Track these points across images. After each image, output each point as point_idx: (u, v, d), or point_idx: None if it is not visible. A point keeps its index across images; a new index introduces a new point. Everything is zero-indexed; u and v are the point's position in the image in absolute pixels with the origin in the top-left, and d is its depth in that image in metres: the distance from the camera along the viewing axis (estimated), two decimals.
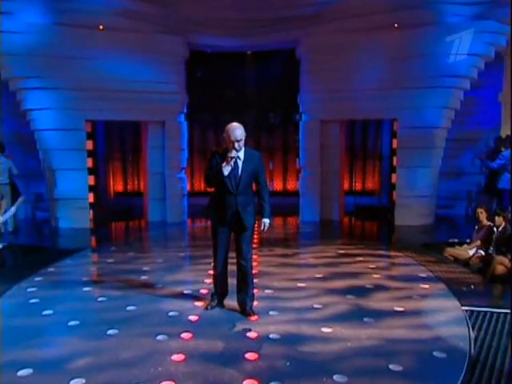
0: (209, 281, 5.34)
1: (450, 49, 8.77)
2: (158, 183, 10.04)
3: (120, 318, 4.24)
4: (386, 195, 12.45)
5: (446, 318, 4.22)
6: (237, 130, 3.96)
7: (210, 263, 6.01)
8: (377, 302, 4.63)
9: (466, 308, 4.38)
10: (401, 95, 9.03)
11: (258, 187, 4.20)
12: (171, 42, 9.53)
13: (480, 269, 6.20)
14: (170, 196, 9.96)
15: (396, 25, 8.98)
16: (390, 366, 3.28)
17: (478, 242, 6.76)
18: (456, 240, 7.52)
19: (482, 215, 6.89)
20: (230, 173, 4.02)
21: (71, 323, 4.13)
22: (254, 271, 5.43)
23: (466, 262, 6.57)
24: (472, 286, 5.17)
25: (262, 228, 4.21)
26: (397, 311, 4.36)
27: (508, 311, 4.22)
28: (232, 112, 13.19)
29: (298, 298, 4.77)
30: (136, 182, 12.93)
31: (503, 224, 6.40)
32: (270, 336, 3.82)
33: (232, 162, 3.99)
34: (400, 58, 8.94)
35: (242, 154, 4.08)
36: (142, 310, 4.47)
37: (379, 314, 4.26)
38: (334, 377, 3.14)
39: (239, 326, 4.03)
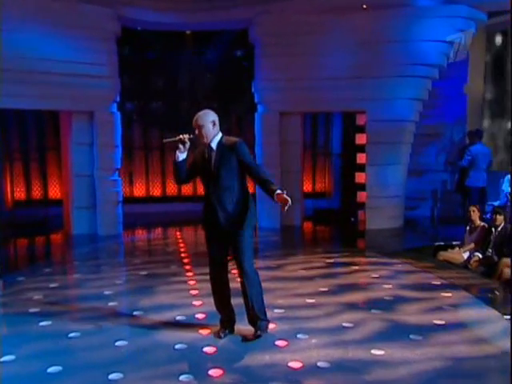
0: (198, 303, 5.02)
1: (420, 34, 9.15)
2: (85, 188, 9.29)
3: (115, 358, 3.74)
4: (337, 197, 12.75)
5: (496, 329, 4.29)
6: (196, 116, 3.90)
7: (186, 282, 5.84)
8: (409, 315, 4.59)
9: (507, 317, 4.47)
10: (369, 85, 9.22)
11: (250, 172, 3.88)
12: (99, 13, 8.88)
13: (483, 273, 6.49)
14: (102, 203, 9.26)
15: (364, 6, 9.18)
16: None
17: (472, 245, 7.07)
18: (442, 243, 7.83)
19: (475, 214, 7.22)
20: (205, 168, 3.90)
21: (51, 370, 3.56)
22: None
23: (464, 266, 6.84)
24: (496, 293, 5.33)
25: (286, 198, 3.64)
26: (439, 325, 4.34)
27: None
28: (161, 102, 12.79)
29: (317, 316, 4.59)
30: (44, 188, 11.94)
31: (503, 223, 6.75)
32: (318, 364, 3.58)
33: (182, 146, 3.84)
34: (369, 44, 9.13)
35: (214, 145, 3.91)
36: (137, 344, 4.00)
37: (422, 330, 4.21)
38: None
39: (272, 355, 3.74)
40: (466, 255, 7.06)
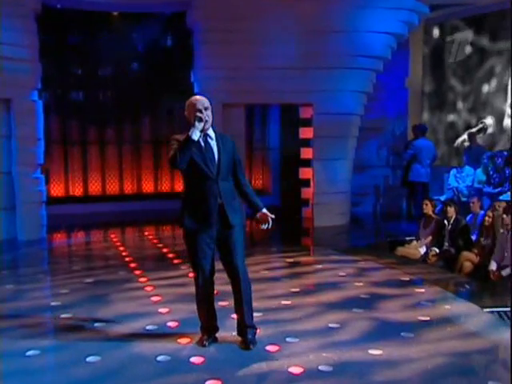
0: (164, 310, 4.87)
1: (366, 25, 9.46)
2: (1, 187, 8.64)
3: (92, 376, 3.53)
4: (277, 194, 12.91)
5: (480, 323, 4.53)
6: (202, 99, 3.81)
7: (142, 288, 5.63)
8: (393, 313, 4.73)
9: (487, 310, 4.74)
10: (316, 76, 9.39)
11: (236, 172, 3.88)
12: None
13: (443, 267, 6.85)
14: (23, 204, 8.68)
15: None
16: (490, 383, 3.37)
17: (430, 238, 7.44)
18: (396, 239, 8.17)
19: (428, 207, 7.59)
20: (203, 155, 3.74)
21: None
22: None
23: (423, 261, 7.18)
24: (467, 286, 5.64)
25: (269, 221, 3.85)
26: (424, 321, 4.51)
27: None
28: (82, 91, 12.24)
29: (299, 318, 4.62)
30: None
31: (454, 215, 7.16)
32: (320, 368, 3.58)
33: (198, 130, 3.63)
34: (315, 33, 9.27)
35: (211, 133, 3.84)
36: (112, 359, 3.80)
37: (411, 327, 4.35)
38: None
39: (268, 362, 3.70)
40: (422, 250, 7.41)
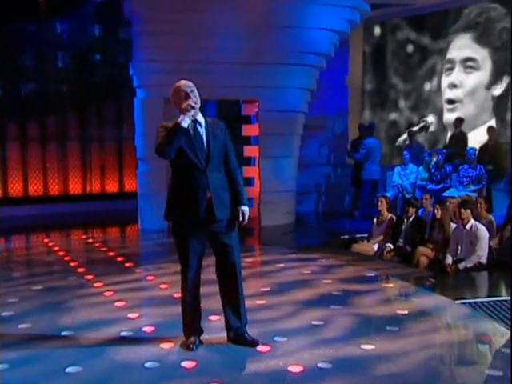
0: (134, 315, 4.73)
1: (310, 22, 9.67)
2: None
3: None
4: None
5: (457, 314, 4.77)
6: (187, 82, 3.73)
7: (100, 294, 5.43)
8: (371, 308, 4.88)
9: (459, 302, 5.01)
10: (262, 72, 9.46)
11: (227, 169, 3.85)
12: None
13: (400, 262, 7.14)
14: None
15: None
16: (488, 371, 3.56)
17: (381, 237, 7.72)
18: (347, 236, 8.43)
19: (382, 205, 7.88)
20: (192, 143, 3.67)
21: None
22: (177, 295, 5.18)
23: (378, 257, 7.45)
24: (432, 280, 5.92)
25: (241, 219, 3.83)
26: (404, 314, 4.68)
27: (495, 299, 5.05)
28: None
29: (280, 317, 4.64)
30: None
31: (414, 215, 7.49)
32: (319, 365, 3.63)
33: (188, 118, 3.59)
34: (260, 28, 9.34)
35: (201, 119, 3.76)
36: (95, 369, 3.64)
37: (393, 321, 4.50)
38: None
39: (265, 362, 3.69)
40: (375, 247, 7.69)
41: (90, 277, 6.17)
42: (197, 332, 3.98)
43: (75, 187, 12.34)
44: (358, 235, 8.33)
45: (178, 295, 5.23)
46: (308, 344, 4.01)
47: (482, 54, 10.08)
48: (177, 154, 3.61)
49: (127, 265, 6.83)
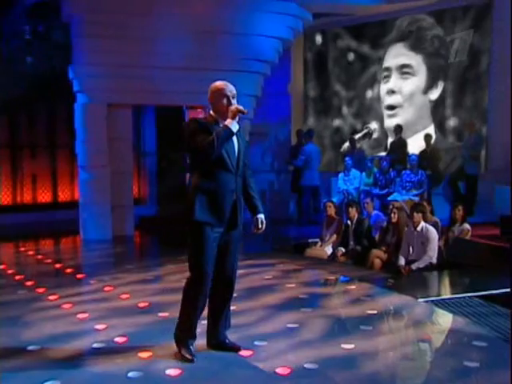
0: (101, 326, 4.60)
1: (255, 28, 9.81)
2: None
3: None
4: (154, 203, 12.73)
5: (424, 312, 4.98)
6: (229, 84, 3.80)
7: (58, 306, 5.24)
8: (341, 309, 5.05)
9: (421, 300, 5.24)
10: (208, 78, 9.31)
11: (244, 175, 3.88)
12: None
13: (354, 264, 7.37)
14: None
15: None
16: (465, 362, 3.74)
17: (334, 237, 7.94)
18: (301, 241, 8.61)
19: (331, 209, 8.14)
20: (226, 147, 3.67)
21: None
22: (141, 304, 5.13)
23: (332, 260, 7.65)
24: (392, 280, 6.15)
25: (260, 227, 3.92)
26: (374, 314, 4.84)
27: (457, 296, 5.33)
28: None
29: (254, 322, 4.67)
30: None
31: (356, 215, 7.76)
32: (305, 366, 3.69)
33: (236, 123, 3.65)
34: (207, 34, 9.37)
35: (236, 125, 3.75)
36: (74, 381, 3.54)
37: (365, 320, 4.64)
38: None
39: (250, 366, 3.71)
40: (328, 250, 7.89)
41: (41, 290, 5.92)
42: (192, 341, 3.84)
43: (4, 197, 11.80)
44: (309, 240, 8.51)
45: (142, 304, 5.25)
46: (289, 346, 4.07)
47: (416, 61, 10.64)
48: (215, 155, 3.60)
49: (79, 276, 6.62)
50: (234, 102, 3.70)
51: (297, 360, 3.78)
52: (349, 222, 7.84)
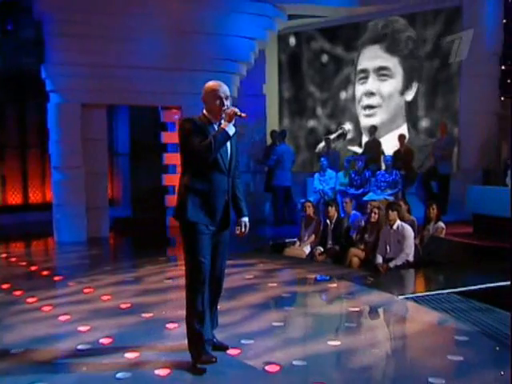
0: (84, 328, 4.57)
1: (231, 29, 9.84)
2: None
3: None
4: (128, 204, 12.63)
5: (402, 308, 5.09)
6: (224, 85, 3.76)
7: (38, 309, 5.17)
8: (323, 307, 5.13)
9: (401, 297, 5.33)
10: (185, 78, 9.47)
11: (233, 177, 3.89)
12: None
13: (333, 263, 7.46)
14: None
15: None
16: (449, 357, 3.83)
17: (313, 238, 8.01)
18: (276, 242, 8.64)
19: (310, 209, 8.20)
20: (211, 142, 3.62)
21: None
22: (123, 306, 5.11)
23: (310, 259, 7.72)
24: (371, 278, 6.24)
25: (243, 230, 3.94)
26: (357, 311, 4.92)
27: (435, 292, 5.44)
28: None
29: (239, 321, 4.68)
30: None
31: (336, 215, 7.85)
32: (294, 363, 3.72)
33: (233, 126, 3.62)
34: (183, 34, 9.38)
35: (233, 128, 3.71)
36: (62, 382, 3.49)
37: (348, 318, 4.75)
38: (430, 379, 3.46)
39: (239, 364, 3.74)
40: (307, 250, 7.96)
41: (18, 293, 5.82)
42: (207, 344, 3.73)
43: None
44: (286, 240, 8.56)
45: (124, 306, 5.21)
46: (276, 344, 4.10)
47: (393, 63, 10.80)
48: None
49: (56, 278, 6.55)
50: (227, 103, 3.68)
51: (285, 357, 3.82)
52: (328, 222, 7.92)
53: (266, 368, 3.65)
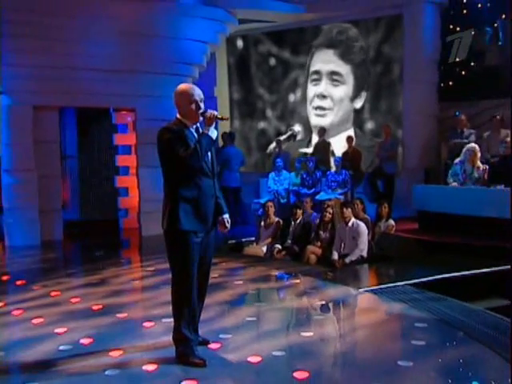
0: (61, 330, 4.64)
1: (184, 33, 9.96)
2: None
3: None
4: (76, 207, 12.50)
5: (365, 300, 5.44)
6: (197, 88, 3.77)
7: (8, 313, 5.21)
8: (290, 301, 5.38)
9: (362, 290, 5.68)
10: (139, 81, 9.54)
11: None
12: None
13: (292, 260, 7.76)
14: None
15: None
16: (413, 342, 4.17)
17: (269, 240, 8.29)
18: (234, 241, 8.87)
19: (271, 209, 8.46)
20: (196, 152, 3.64)
21: None
22: (95, 307, 5.23)
23: (270, 257, 8.00)
24: (331, 274, 6.57)
25: (227, 226, 3.98)
26: (323, 305, 5.23)
27: (392, 285, 5.82)
28: None
29: (213, 317, 4.79)
30: None
31: (301, 217, 8.17)
32: (274, 354, 3.96)
33: (214, 129, 3.69)
34: (133, 36, 9.40)
35: (214, 131, 3.77)
36: (53, 381, 3.58)
37: (316, 310, 5.04)
38: (399, 362, 3.78)
39: (223, 357, 3.93)
40: (264, 248, 8.23)
41: None
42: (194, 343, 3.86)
43: None
44: (243, 239, 8.80)
45: (96, 307, 5.28)
46: (253, 337, 4.33)
47: (345, 70, 11.22)
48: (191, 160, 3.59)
49: (19, 283, 6.48)
50: (202, 105, 3.73)
51: (264, 349, 4.04)
52: (292, 222, 8.22)
53: (249, 359, 3.86)
